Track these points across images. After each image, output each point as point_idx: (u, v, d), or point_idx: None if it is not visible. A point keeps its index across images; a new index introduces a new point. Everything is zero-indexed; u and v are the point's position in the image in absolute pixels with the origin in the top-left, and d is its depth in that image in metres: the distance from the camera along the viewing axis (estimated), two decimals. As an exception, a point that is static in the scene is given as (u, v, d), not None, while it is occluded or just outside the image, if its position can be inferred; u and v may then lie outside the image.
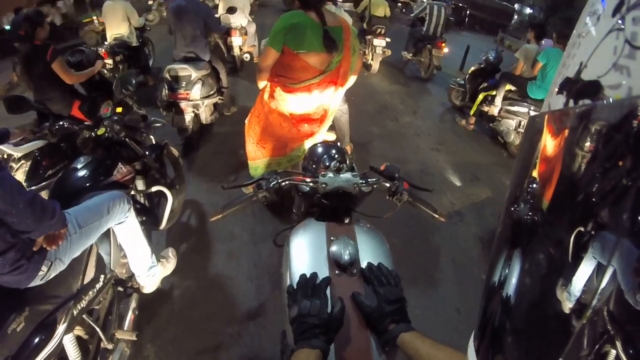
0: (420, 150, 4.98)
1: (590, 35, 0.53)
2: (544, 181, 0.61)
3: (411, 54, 8.12)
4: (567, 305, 0.47)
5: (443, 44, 7.32)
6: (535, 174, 0.63)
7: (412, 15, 8.25)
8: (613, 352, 0.40)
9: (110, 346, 1.85)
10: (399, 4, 14.15)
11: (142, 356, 2.16)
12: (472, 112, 5.70)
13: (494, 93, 5.33)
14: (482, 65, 5.86)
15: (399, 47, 8.28)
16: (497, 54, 5.77)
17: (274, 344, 2.21)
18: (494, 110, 5.25)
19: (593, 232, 0.45)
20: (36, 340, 1.44)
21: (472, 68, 6.05)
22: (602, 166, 0.47)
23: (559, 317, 0.48)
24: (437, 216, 1.51)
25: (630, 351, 0.39)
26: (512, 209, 0.67)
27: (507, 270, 0.63)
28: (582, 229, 0.47)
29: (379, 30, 7.27)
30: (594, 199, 0.47)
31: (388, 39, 7.30)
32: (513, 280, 0.61)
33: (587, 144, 0.51)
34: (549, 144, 0.60)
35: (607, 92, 0.45)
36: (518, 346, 0.58)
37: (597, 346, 0.42)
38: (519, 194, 0.66)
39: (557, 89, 0.59)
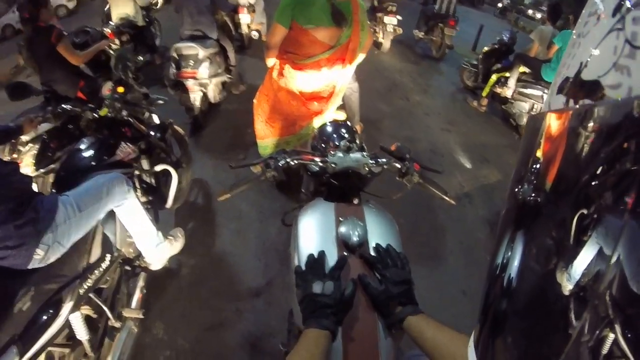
0: (430, 130, 4.92)
1: (590, 35, 0.52)
2: (548, 163, 0.59)
3: (423, 33, 7.96)
4: (567, 288, 0.46)
5: (455, 23, 7.15)
6: (539, 154, 0.62)
7: (424, -8, 8.07)
8: (611, 336, 0.39)
9: (118, 324, 1.88)
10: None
11: (151, 334, 2.21)
12: (484, 94, 5.58)
13: (507, 75, 5.20)
14: (495, 46, 5.72)
15: (410, 25, 8.10)
16: (512, 34, 5.62)
17: (280, 322, 2.24)
18: (507, 92, 5.14)
19: (597, 217, 0.44)
20: (42, 318, 1.47)
21: (486, 48, 5.91)
22: (606, 153, 0.45)
23: (560, 301, 0.47)
24: (447, 198, 1.48)
25: (629, 335, 0.38)
26: (516, 190, 0.66)
27: (509, 254, 0.62)
28: (585, 211, 0.46)
29: (389, 7, 7.12)
30: (598, 183, 0.46)
31: (399, 17, 7.16)
32: (514, 264, 0.60)
33: (591, 124, 0.49)
34: (553, 125, 0.60)
35: (608, 92, 0.44)
36: (518, 335, 0.57)
37: (597, 332, 0.41)
38: (524, 174, 0.66)
39: (557, 89, 0.58)
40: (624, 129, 0.41)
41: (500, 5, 19.79)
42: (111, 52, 3.71)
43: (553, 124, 0.59)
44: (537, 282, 0.55)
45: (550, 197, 0.57)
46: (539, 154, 0.61)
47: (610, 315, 0.39)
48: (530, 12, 19.85)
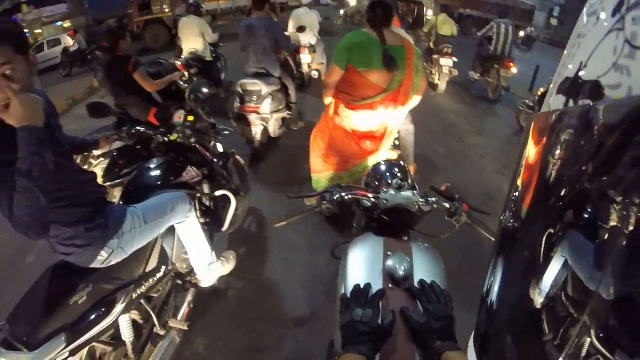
0: (485, 173, 4.81)
1: (590, 35, 0.52)
2: (526, 188, 0.62)
3: (478, 74, 7.91)
4: (539, 301, 0.50)
5: (511, 64, 7.06)
6: (519, 182, 0.64)
7: (479, 34, 8.05)
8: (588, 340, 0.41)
9: (162, 332, 1.99)
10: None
11: (192, 348, 2.28)
12: (542, 137, 5.40)
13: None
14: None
15: (466, 67, 8.10)
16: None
17: (320, 352, 2.24)
18: (567, 135, 4.94)
19: (562, 233, 0.47)
20: (94, 314, 1.59)
21: (542, 89, 5.76)
22: (573, 170, 0.48)
23: (539, 313, 0.50)
24: (494, 240, 1.47)
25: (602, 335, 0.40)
26: (504, 217, 0.68)
27: (499, 273, 0.66)
28: (552, 230, 0.49)
29: (445, 49, 7.17)
30: (568, 200, 0.48)
31: (455, 59, 7.18)
32: (502, 282, 0.64)
33: (558, 151, 0.52)
34: (532, 150, 0.61)
35: (607, 92, 0.44)
36: (512, 344, 0.59)
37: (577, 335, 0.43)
38: (510, 202, 0.68)
39: (557, 89, 0.59)
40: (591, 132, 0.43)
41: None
42: (180, 83, 4.01)
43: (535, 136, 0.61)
44: (523, 297, 0.56)
45: (527, 220, 0.60)
46: (519, 181, 0.64)
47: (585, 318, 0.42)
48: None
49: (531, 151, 0.62)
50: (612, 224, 0.39)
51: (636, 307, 0.36)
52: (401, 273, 1.20)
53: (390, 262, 1.23)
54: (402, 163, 1.80)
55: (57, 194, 1.41)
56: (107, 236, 1.62)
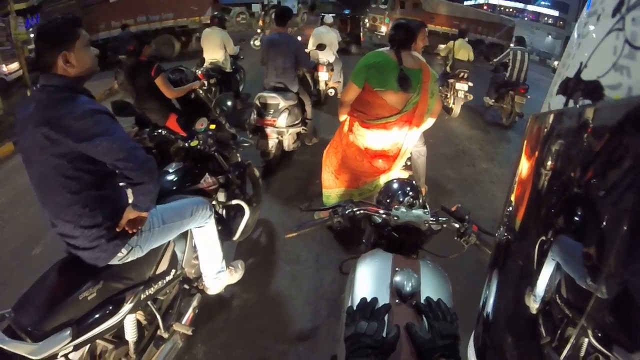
0: (495, 199, 4.80)
1: (590, 35, 0.52)
2: (518, 202, 0.63)
3: (493, 100, 7.91)
4: (534, 306, 0.51)
5: (525, 90, 7.08)
6: (512, 197, 0.66)
7: (495, 60, 8.08)
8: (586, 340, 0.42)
9: (165, 335, 2.00)
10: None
11: (191, 353, 2.30)
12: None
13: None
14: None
15: (481, 92, 8.13)
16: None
17: (320, 369, 2.24)
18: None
19: (553, 238, 0.48)
20: (102, 312, 1.60)
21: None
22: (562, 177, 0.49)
23: (535, 316, 0.51)
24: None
25: (599, 334, 0.41)
26: (499, 232, 0.69)
27: (495, 282, 0.67)
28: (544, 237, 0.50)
29: (461, 74, 7.20)
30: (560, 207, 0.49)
31: (470, 83, 7.21)
32: (498, 288, 0.65)
33: (557, 152, 0.52)
34: (529, 153, 0.62)
35: (607, 92, 0.44)
36: (510, 348, 0.60)
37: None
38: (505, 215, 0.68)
39: (557, 89, 0.58)
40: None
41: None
42: (200, 91, 4.12)
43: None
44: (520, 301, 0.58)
45: (520, 232, 0.62)
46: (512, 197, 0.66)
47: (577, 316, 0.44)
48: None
49: (529, 154, 0.63)
50: (607, 224, 0.40)
51: (628, 302, 0.38)
52: (408, 289, 1.21)
53: (398, 278, 1.25)
54: (414, 182, 1.83)
55: (96, 192, 1.55)
56: (129, 233, 1.68)
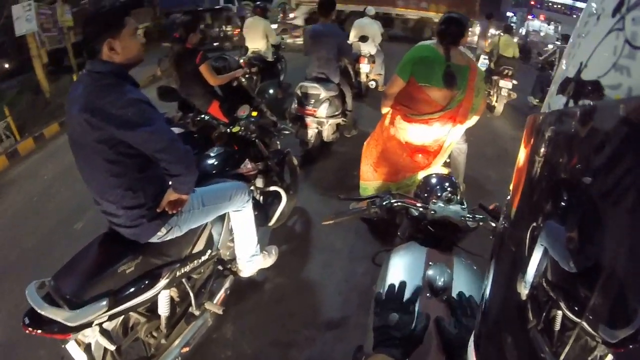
0: (536, 203, 4.64)
1: (590, 35, 0.51)
2: (522, 189, 0.63)
3: (537, 99, 7.58)
4: (524, 292, 0.52)
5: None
6: (510, 187, 0.66)
7: (541, 58, 7.71)
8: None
9: (197, 312, 2.07)
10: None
11: (220, 332, 2.37)
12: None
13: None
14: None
15: (525, 90, 7.81)
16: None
17: (345, 358, 2.25)
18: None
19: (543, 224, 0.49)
20: (139, 285, 1.67)
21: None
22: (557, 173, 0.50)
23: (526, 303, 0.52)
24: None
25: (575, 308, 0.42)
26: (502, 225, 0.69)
27: (491, 276, 0.68)
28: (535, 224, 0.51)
29: (506, 71, 6.93)
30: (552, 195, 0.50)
31: (515, 81, 6.92)
32: (493, 282, 0.66)
33: (556, 152, 0.52)
34: (528, 152, 0.63)
35: (607, 92, 0.44)
36: (505, 337, 0.60)
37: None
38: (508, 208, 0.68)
39: (557, 89, 0.58)
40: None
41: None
42: (242, 79, 4.19)
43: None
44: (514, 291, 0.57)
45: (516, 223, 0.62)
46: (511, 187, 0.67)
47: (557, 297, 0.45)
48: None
49: (528, 152, 0.63)
50: (607, 225, 0.40)
51: (611, 282, 0.38)
52: (440, 284, 1.21)
53: (431, 272, 1.25)
54: (453, 178, 1.81)
55: (139, 174, 1.60)
56: (169, 214, 1.74)
